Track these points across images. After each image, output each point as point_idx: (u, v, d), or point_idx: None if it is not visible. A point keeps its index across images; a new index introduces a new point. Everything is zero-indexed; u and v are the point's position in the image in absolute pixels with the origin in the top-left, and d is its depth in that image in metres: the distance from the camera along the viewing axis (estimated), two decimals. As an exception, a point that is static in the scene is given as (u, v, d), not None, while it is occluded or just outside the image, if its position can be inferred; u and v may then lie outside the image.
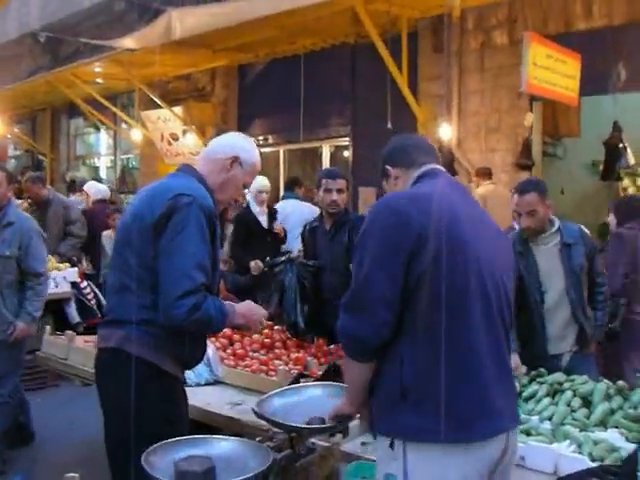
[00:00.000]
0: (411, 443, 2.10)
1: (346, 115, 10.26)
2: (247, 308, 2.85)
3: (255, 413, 2.54)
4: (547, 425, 2.99)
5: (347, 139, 10.32)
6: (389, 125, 8.37)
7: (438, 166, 2.40)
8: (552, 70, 6.80)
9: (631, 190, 8.75)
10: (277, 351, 4.12)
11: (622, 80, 7.27)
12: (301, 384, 2.93)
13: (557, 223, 4.09)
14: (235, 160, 2.87)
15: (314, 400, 2.68)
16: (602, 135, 7.86)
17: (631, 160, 7.79)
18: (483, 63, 8.58)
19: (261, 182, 6.67)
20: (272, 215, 6.87)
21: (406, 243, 2.08)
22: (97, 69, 11.90)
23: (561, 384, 3.28)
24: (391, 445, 2.13)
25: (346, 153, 10.52)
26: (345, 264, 4.24)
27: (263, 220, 6.84)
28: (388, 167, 2.43)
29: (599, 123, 8.23)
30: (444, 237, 2.09)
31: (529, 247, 4.10)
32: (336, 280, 4.40)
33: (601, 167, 8.16)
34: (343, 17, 8.67)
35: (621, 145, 7.72)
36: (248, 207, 6.78)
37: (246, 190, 3.11)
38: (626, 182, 8.74)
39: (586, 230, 4.28)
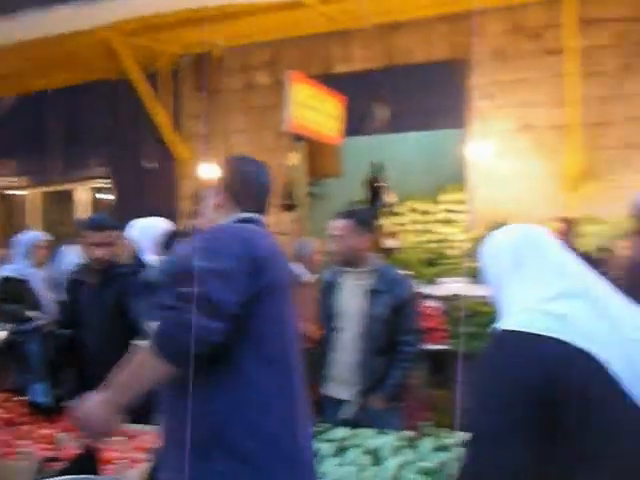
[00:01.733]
0: None
1: (104, 155, 9.62)
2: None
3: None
4: (334, 489, 2.72)
5: (107, 180, 9.68)
6: (148, 164, 7.95)
7: (258, 216, 2.26)
8: (315, 110, 6.78)
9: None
10: (23, 427, 3.45)
11: (381, 121, 7.49)
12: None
13: (375, 265, 3.80)
14: None
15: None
16: (363, 175, 8.04)
17: (391, 199, 8.03)
18: (247, 103, 8.49)
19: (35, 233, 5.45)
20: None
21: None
22: None
23: (345, 439, 3.03)
24: None
25: (106, 195, 9.86)
26: (111, 324, 3.67)
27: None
28: (222, 194, 2.21)
29: (360, 163, 8.42)
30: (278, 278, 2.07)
31: (338, 280, 3.84)
32: (99, 344, 3.79)
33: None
34: (100, 51, 8.14)
35: (377, 184, 7.93)
36: None
37: None
38: (384, 221, 8.95)
39: (403, 278, 3.93)
